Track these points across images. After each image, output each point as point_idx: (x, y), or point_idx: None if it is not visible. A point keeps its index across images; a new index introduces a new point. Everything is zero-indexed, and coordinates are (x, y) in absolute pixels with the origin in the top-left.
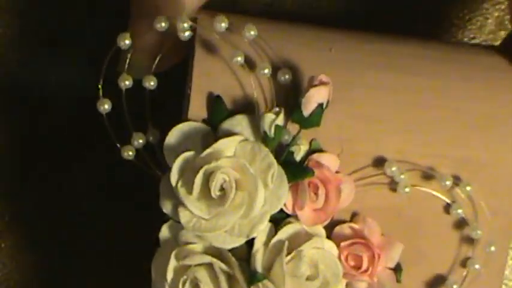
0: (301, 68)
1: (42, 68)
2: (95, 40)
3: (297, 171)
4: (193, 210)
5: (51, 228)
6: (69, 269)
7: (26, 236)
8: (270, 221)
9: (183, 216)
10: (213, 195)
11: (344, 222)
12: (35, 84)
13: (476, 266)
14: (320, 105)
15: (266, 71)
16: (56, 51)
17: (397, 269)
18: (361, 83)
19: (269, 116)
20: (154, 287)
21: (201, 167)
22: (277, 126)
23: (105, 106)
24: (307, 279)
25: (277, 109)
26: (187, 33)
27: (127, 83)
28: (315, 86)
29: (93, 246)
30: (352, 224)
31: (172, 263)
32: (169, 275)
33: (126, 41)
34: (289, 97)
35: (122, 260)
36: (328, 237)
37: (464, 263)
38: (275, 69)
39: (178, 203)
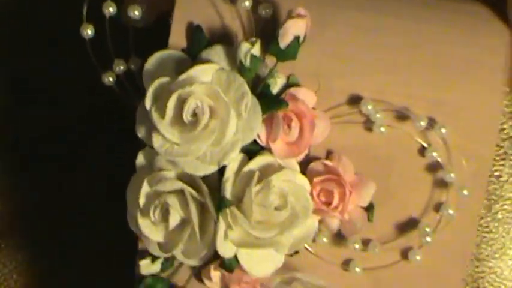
0: (281, 3)
1: (41, 68)
2: None
3: (271, 102)
4: (165, 134)
5: (51, 228)
6: (69, 269)
7: (26, 236)
8: (244, 152)
9: (156, 141)
10: (185, 119)
11: (319, 159)
12: (34, 84)
13: (450, 211)
14: (297, 37)
15: (247, 3)
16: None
17: (369, 209)
18: (342, 22)
19: (245, 46)
20: (129, 214)
21: (175, 91)
22: (252, 55)
23: (88, 31)
24: (276, 209)
25: (253, 39)
26: None
27: (111, 9)
28: (293, 18)
29: (93, 246)
30: (327, 161)
31: (145, 189)
32: (142, 200)
33: None
34: (268, 31)
35: (122, 260)
36: (303, 173)
37: (437, 208)
38: (256, 3)
39: (152, 128)
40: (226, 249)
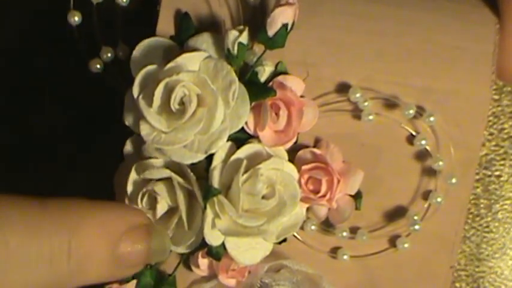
0: None
1: (40, 68)
2: None
3: (259, 90)
4: (152, 122)
5: None
6: None
7: None
8: (232, 140)
9: (144, 129)
10: (172, 108)
11: (307, 147)
12: (33, 84)
13: (438, 199)
14: (285, 25)
15: None
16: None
17: (357, 197)
18: (330, 9)
19: (233, 33)
20: (117, 201)
21: (162, 80)
22: (240, 43)
23: (75, 18)
24: (264, 197)
25: (241, 27)
26: None
27: None
28: (281, 5)
29: None
30: (315, 149)
31: (133, 176)
32: (129, 188)
33: None
34: (256, 19)
35: None
36: (291, 161)
37: (425, 196)
38: None
39: (140, 116)
40: (213, 238)
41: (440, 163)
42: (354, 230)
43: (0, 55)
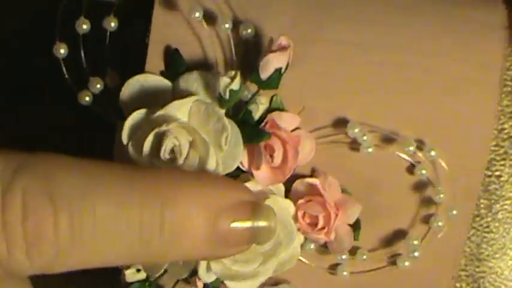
0: (264, 22)
1: (40, 68)
2: None
3: (253, 133)
4: None
5: None
6: None
7: None
8: (227, 175)
9: None
10: (162, 158)
11: (305, 176)
12: (33, 84)
13: (440, 223)
14: (278, 69)
15: (227, 25)
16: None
17: (355, 227)
18: (328, 39)
19: (224, 80)
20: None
21: (152, 130)
22: (231, 90)
23: (61, 51)
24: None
25: (232, 73)
26: None
27: (84, 27)
28: (273, 51)
29: None
30: (311, 180)
31: None
32: None
33: None
34: (249, 54)
35: None
36: (289, 190)
37: (426, 220)
38: (237, 23)
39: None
40: (209, 277)
41: (441, 195)
42: (353, 251)
43: (0, 55)
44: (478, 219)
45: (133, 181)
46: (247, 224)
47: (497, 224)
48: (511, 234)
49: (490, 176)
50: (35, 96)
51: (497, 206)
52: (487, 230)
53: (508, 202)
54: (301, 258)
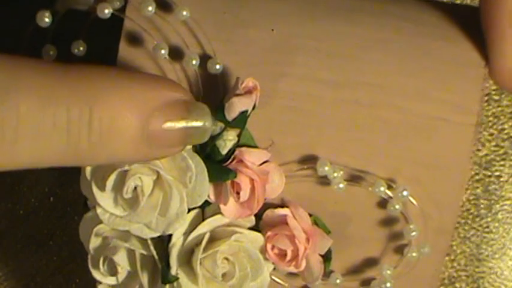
0: (231, 58)
1: None
2: None
3: (218, 172)
4: (106, 207)
5: (51, 227)
6: (69, 269)
7: (27, 236)
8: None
9: (98, 208)
10: (125, 197)
11: (276, 206)
12: None
13: (413, 254)
14: (244, 112)
15: (194, 62)
16: None
17: (326, 259)
18: (297, 74)
19: None
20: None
21: (114, 170)
22: None
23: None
24: (224, 276)
25: None
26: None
27: (51, 53)
28: (238, 95)
29: None
30: (282, 211)
31: (93, 240)
32: (91, 252)
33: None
34: (218, 89)
35: None
36: (260, 217)
37: (400, 250)
38: (206, 58)
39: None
40: None
41: (413, 233)
42: (326, 274)
43: None
44: (478, 219)
45: (61, 77)
46: (181, 124)
47: (497, 224)
48: (510, 235)
49: (489, 176)
50: None
51: (497, 206)
52: (486, 230)
53: (507, 202)
54: (274, 278)
